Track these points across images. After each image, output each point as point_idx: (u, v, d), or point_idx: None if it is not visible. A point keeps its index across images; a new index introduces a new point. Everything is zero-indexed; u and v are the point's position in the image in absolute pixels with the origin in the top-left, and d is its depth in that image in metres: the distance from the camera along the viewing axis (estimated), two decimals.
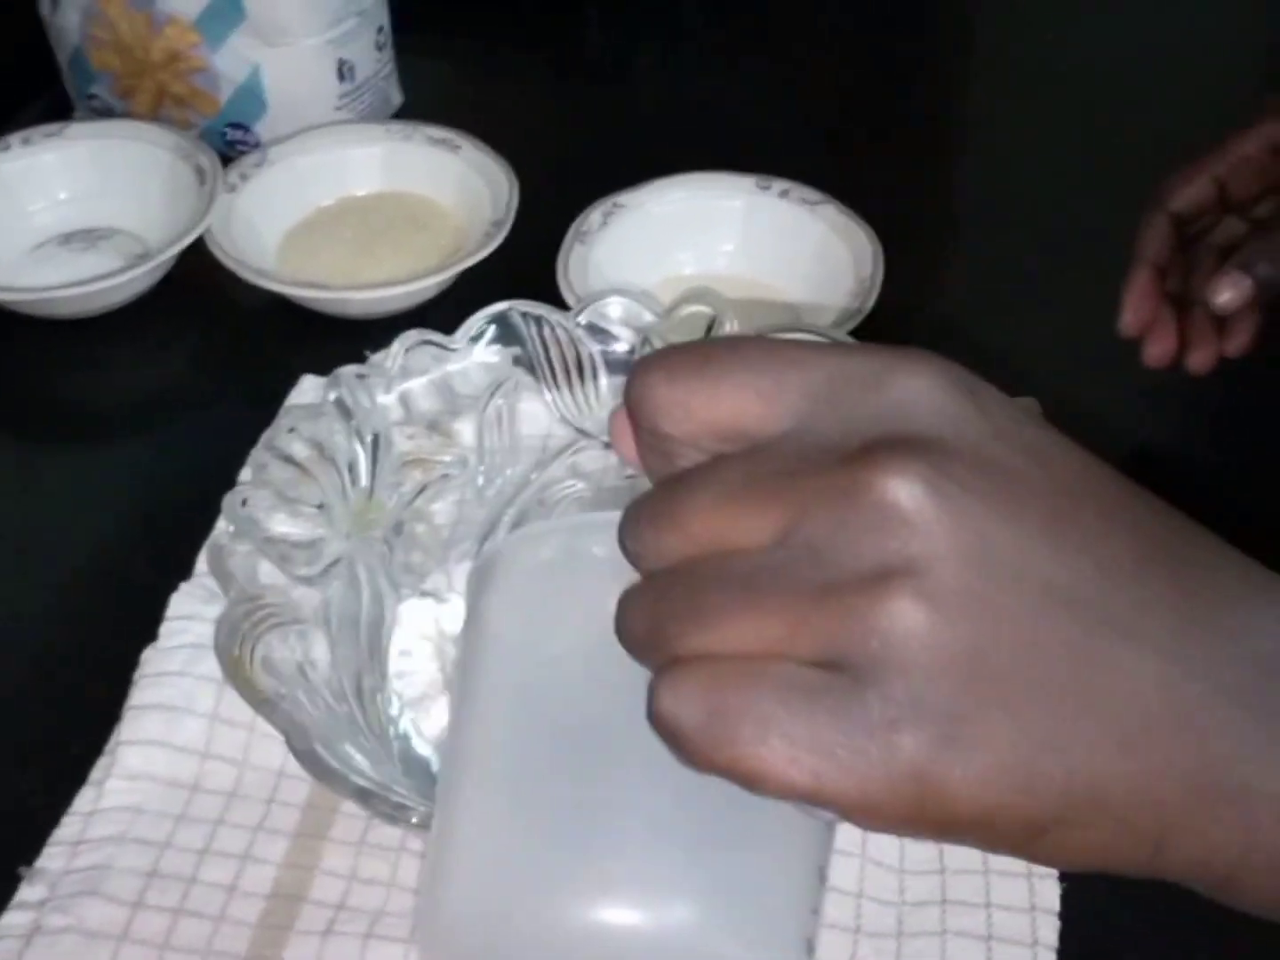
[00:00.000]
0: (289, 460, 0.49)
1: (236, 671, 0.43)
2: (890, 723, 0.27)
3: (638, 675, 0.30)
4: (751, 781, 0.28)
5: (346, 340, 0.67)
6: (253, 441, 0.60)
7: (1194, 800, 0.28)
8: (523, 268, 0.69)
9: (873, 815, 0.27)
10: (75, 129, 0.76)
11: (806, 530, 0.28)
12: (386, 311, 0.70)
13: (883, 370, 0.29)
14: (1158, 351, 0.62)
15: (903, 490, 0.27)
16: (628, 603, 0.30)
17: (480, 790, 0.35)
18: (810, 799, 0.27)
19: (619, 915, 0.32)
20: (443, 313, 0.68)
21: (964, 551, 0.27)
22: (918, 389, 0.29)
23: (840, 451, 0.28)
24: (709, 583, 0.29)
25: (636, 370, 0.31)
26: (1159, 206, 0.63)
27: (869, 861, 0.48)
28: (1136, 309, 0.62)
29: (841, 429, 0.29)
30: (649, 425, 0.31)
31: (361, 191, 0.77)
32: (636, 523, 0.30)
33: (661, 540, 0.30)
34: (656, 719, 0.29)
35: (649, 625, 0.29)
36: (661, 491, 0.30)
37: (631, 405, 0.31)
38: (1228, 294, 0.58)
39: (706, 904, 0.32)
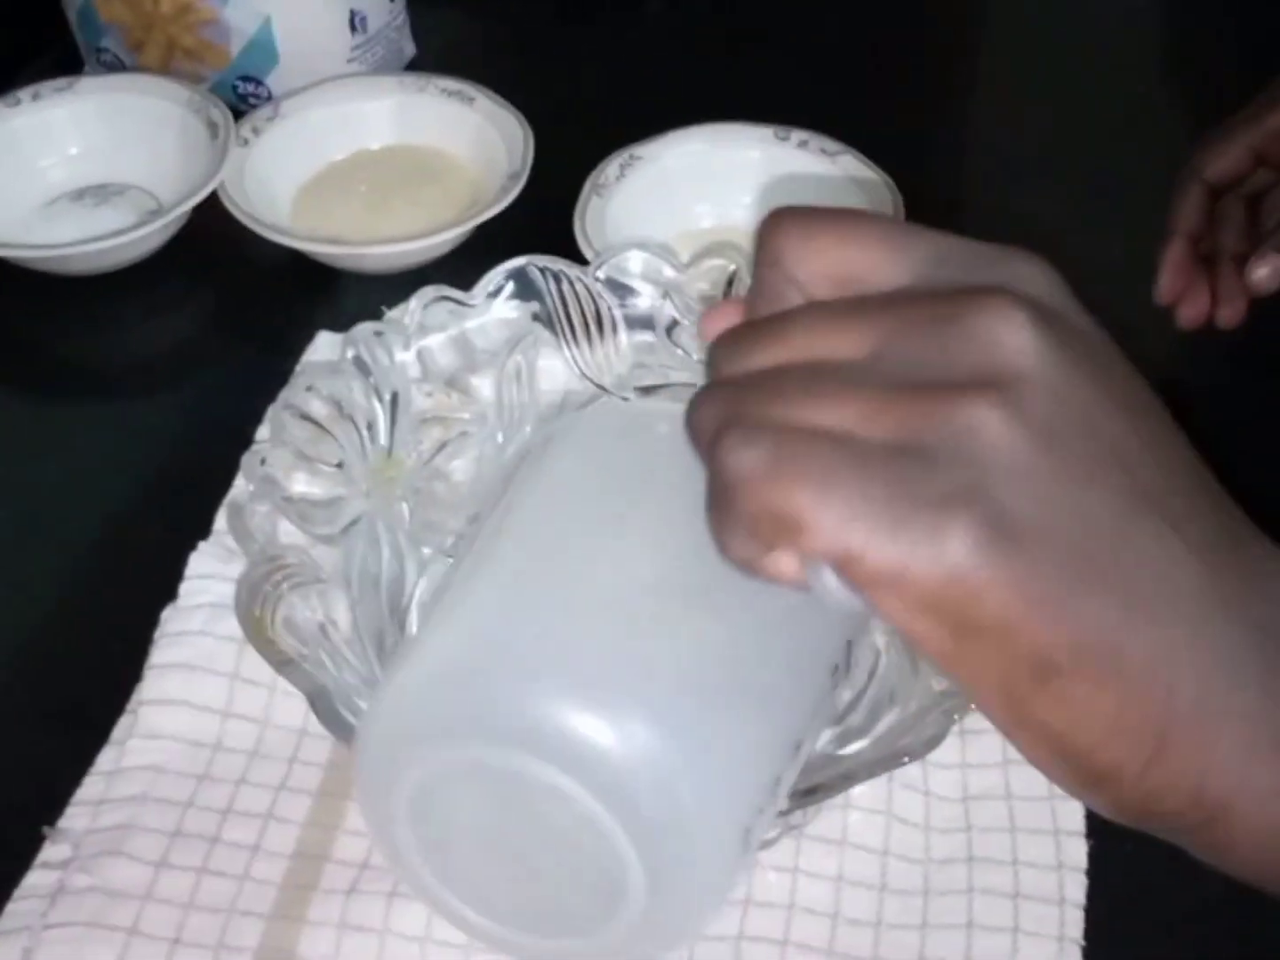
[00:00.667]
0: (307, 419, 0.49)
1: (258, 632, 0.43)
2: (948, 499, 0.27)
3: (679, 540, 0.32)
4: (795, 531, 0.28)
5: (362, 296, 0.67)
6: (269, 398, 0.60)
7: (1204, 701, 0.28)
8: (538, 221, 0.68)
9: (900, 590, 0.28)
10: (86, 83, 0.75)
11: (904, 346, 0.29)
12: (402, 266, 0.69)
13: (1001, 253, 0.31)
14: (1192, 314, 0.62)
15: (1008, 322, 0.29)
16: (702, 396, 0.31)
17: (488, 580, 0.36)
18: (847, 562, 0.28)
19: (577, 712, 0.32)
20: (459, 267, 0.67)
21: (1053, 388, 0.28)
22: (1032, 272, 0.31)
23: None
24: (794, 374, 0.30)
25: (773, 212, 0.32)
26: (1194, 176, 0.63)
27: (894, 819, 0.48)
28: (1173, 280, 0.63)
29: (953, 288, 0.30)
30: (773, 258, 0.32)
31: (375, 145, 0.76)
32: (734, 334, 0.31)
33: (757, 346, 0.31)
34: (717, 466, 0.29)
35: (724, 408, 0.30)
36: (765, 316, 0.32)
37: (762, 241, 0.32)
38: (1263, 273, 0.59)
39: (666, 742, 0.32)
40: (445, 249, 0.69)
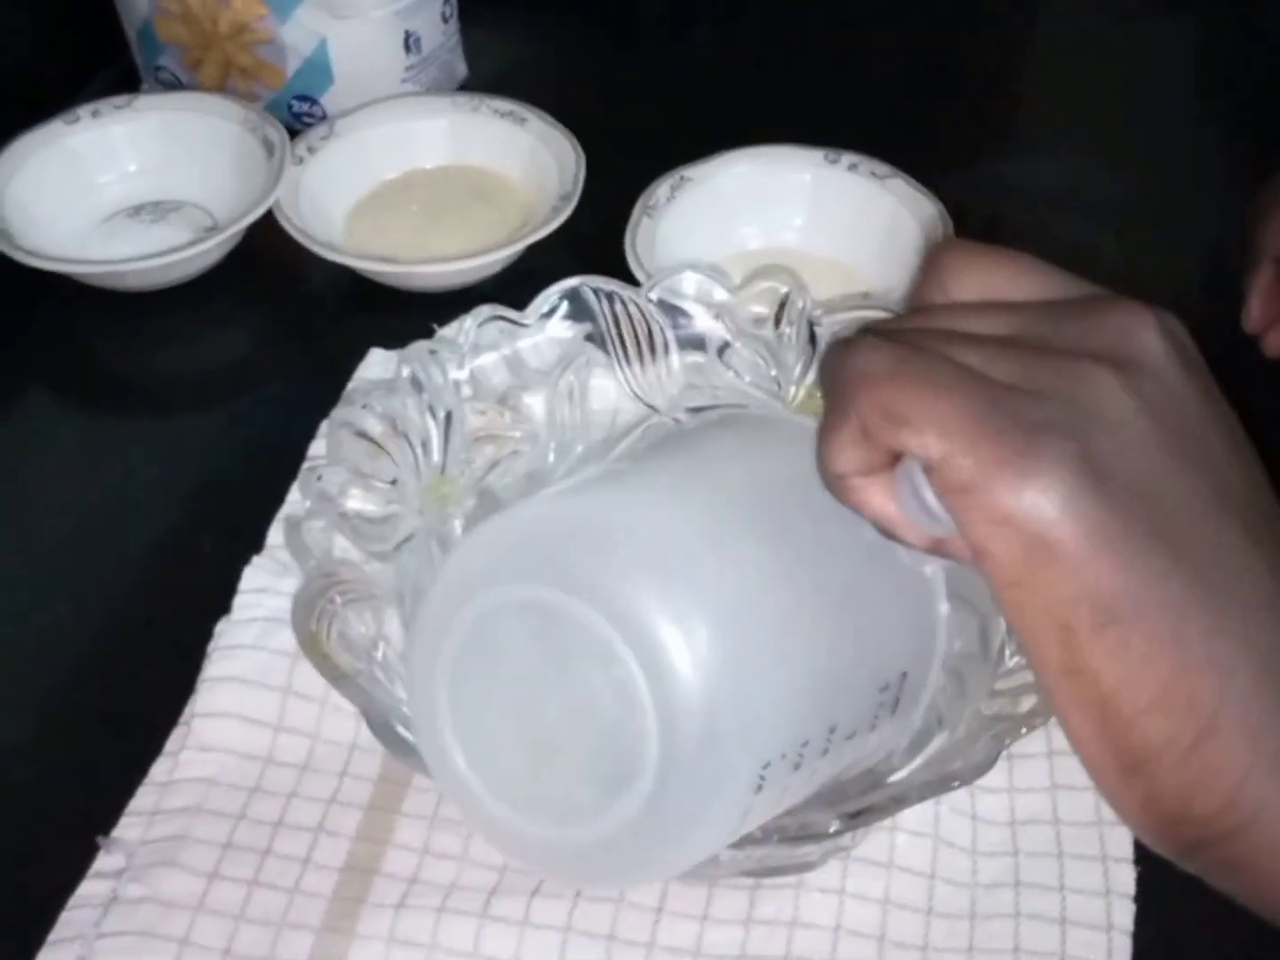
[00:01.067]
0: (363, 436, 0.49)
1: (314, 647, 0.43)
2: (1051, 428, 0.29)
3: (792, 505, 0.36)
4: (901, 424, 0.30)
5: (413, 314, 0.67)
6: (321, 414, 0.61)
7: (1257, 698, 0.29)
8: (589, 241, 0.69)
9: (986, 500, 0.29)
10: (144, 101, 0.76)
11: (1041, 327, 0.32)
12: (453, 285, 0.70)
13: (1138, 303, 0.33)
14: (1278, 340, 0.62)
15: (1142, 322, 0.32)
16: (838, 347, 0.33)
17: (585, 480, 0.38)
18: (941, 464, 0.30)
19: (646, 589, 0.34)
20: (509, 287, 0.68)
21: (1168, 386, 0.31)
22: (1166, 316, 0.33)
23: None
24: (930, 331, 0.33)
25: (940, 243, 0.42)
26: (1278, 201, 0.63)
27: (941, 843, 0.48)
28: (1263, 308, 0.62)
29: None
30: (935, 276, 0.35)
31: (428, 165, 0.77)
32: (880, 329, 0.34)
33: (900, 320, 0.35)
34: (842, 369, 0.32)
35: (860, 355, 0.32)
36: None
37: (928, 263, 0.36)
38: None
39: (717, 647, 0.34)
40: (496, 268, 0.70)
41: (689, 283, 0.54)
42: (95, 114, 0.74)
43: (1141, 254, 0.73)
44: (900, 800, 0.40)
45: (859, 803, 0.40)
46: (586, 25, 0.92)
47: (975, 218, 0.69)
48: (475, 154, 0.76)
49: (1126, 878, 0.47)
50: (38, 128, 0.73)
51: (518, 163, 0.75)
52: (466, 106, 0.76)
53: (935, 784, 0.40)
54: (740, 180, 0.71)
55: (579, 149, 0.72)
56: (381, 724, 0.42)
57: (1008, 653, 0.46)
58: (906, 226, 0.68)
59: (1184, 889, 0.47)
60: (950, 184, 0.70)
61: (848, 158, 0.71)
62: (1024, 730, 0.41)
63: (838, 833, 0.40)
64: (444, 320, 0.63)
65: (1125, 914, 0.46)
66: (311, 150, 0.73)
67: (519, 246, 0.68)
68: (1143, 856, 0.47)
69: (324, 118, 0.79)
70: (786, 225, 0.71)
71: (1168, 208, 0.73)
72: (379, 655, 0.46)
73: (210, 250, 0.69)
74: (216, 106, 0.75)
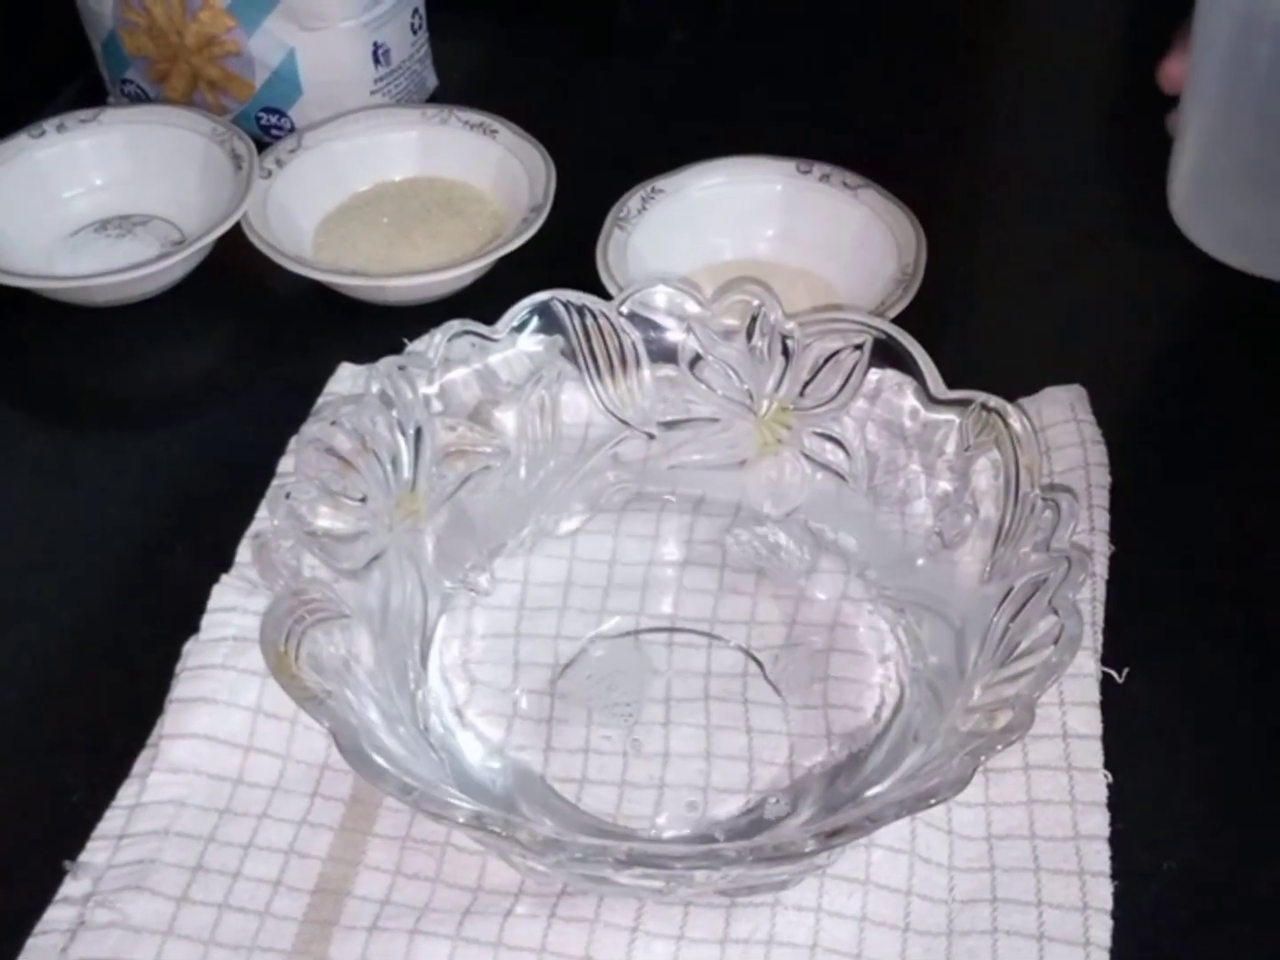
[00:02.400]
0: (332, 453, 0.49)
1: (283, 668, 0.43)
2: None
3: None
4: None
5: (383, 328, 0.67)
6: (290, 430, 0.60)
7: None
8: (560, 254, 0.68)
9: None
10: (110, 114, 0.75)
11: None
12: (424, 299, 0.69)
13: None
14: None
15: None
16: None
17: None
18: None
19: None
20: (480, 299, 0.68)
21: None
22: None
23: None
24: None
25: None
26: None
27: (918, 859, 0.48)
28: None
29: None
30: None
31: (398, 177, 0.76)
32: None
33: None
34: None
35: None
36: None
37: None
38: None
39: None
40: (467, 282, 0.69)
41: (661, 296, 0.54)
42: (60, 128, 0.74)
43: (1129, 263, 0.73)
44: (876, 819, 0.40)
45: (835, 822, 0.40)
46: (557, 36, 0.92)
47: (948, 228, 0.69)
48: (445, 166, 0.76)
49: (1104, 893, 0.46)
50: (2, 142, 0.72)
51: (488, 174, 0.74)
52: (436, 118, 0.76)
53: (911, 801, 0.40)
54: (712, 191, 0.71)
55: (550, 160, 0.72)
56: (352, 747, 0.41)
57: (982, 667, 0.45)
58: (879, 237, 0.68)
59: (1161, 904, 0.47)
60: (923, 194, 0.69)
61: (819, 168, 0.71)
62: (999, 746, 0.41)
63: (813, 852, 0.39)
64: (415, 334, 0.62)
65: (1103, 929, 0.46)
66: (280, 163, 0.73)
67: (489, 259, 0.68)
68: (1120, 871, 0.47)
69: (292, 130, 0.78)
70: (759, 236, 0.71)
71: (1152, 214, 0.73)
72: (349, 676, 0.45)
73: (176, 265, 0.68)
74: (184, 119, 0.74)
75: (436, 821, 0.42)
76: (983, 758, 0.40)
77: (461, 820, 0.40)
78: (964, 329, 0.68)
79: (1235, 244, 0.70)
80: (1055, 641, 0.42)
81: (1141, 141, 0.75)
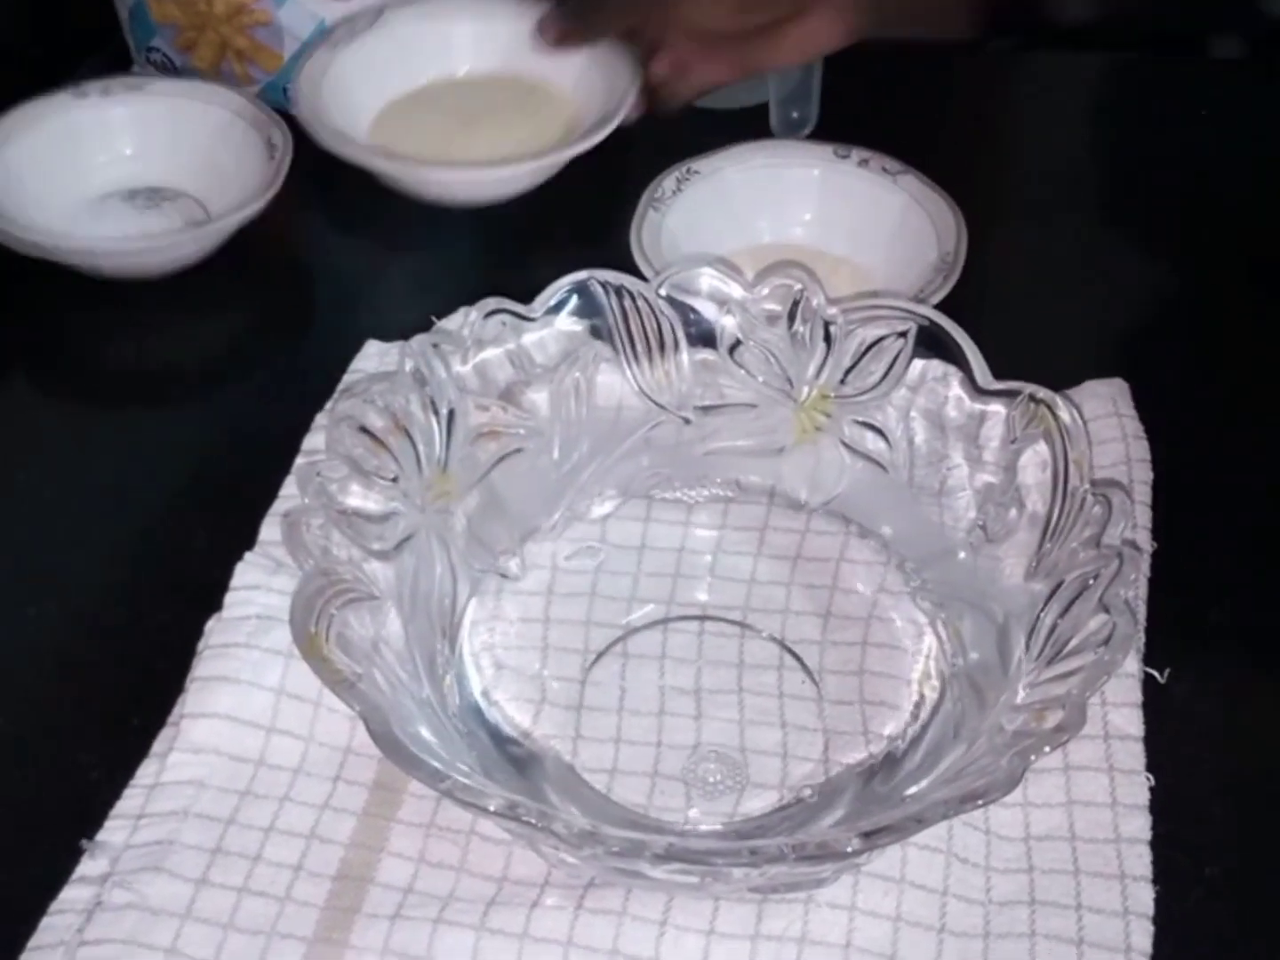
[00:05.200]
0: (364, 431, 0.48)
1: (313, 650, 0.42)
2: None
3: None
4: None
5: (414, 304, 0.66)
6: (315, 407, 0.59)
7: None
8: (591, 234, 0.67)
9: None
10: (156, 85, 0.74)
11: None
12: (475, 200, 0.66)
13: None
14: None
15: None
16: None
17: None
18: None
19: None
20: (515, 279, 0.67)
21: None
22: None
23: None
24: None
25: None
26: None
27: (954, 858, 0.47)
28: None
29: None
30: None
31: (474, 68, 0.73)
32: None
33: None
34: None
35: None
36: None
37: None
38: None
39: None
40: (521, 184, 0.66)
41: (704, 279, 0.52)
42: (105, 92, 0.73)
43: (1168, 252, 0.72)
44: (920, 819, 0.39)
45: (878, 820, 0.39)
46: None
47: (986, 216, 0.68)
48: (527, 64, 0.73)
49: (1145, 897, 0.45)
50: (43, 99, 0.71)
51: (569, 76, 0.72)
52: (526, 15, 0.73)
53: (956, 802, 0.39)
54: (747, 174, 0.70)
55: (636, 66, 0.70)
56: (382, 730, 0.40)
57: (1028, 665, 0.44)
58: (918, 223, 0.66)
59: (1203, 911, 0.46)
60: (961, 181, 0.68)
61: (858, 153, 0.69)
62: (1049, 747, 0.40)
63: (855, 853, 0.38)
64: (441, 313, 0.61)
65: (1144, 936, 0.45)
66: (353, 35, 0.69)
67: (547, 161, 0.65)
68: (1161, 876, 0.46)
69: None
70: (795, 221, 0.70)
71: (1188, 204, 0.72)
72: (379, 658, 0.44)
73: (197, 242, 0.67)
74: (225, 99, 0.73)
75: (468, 810, 0.41)
76: (1032, 757, 0.39)
77: (494, 809, 0.39)
78: (1002, 319, 0.66)
79: None
80: (1107, 640, 0.41)
81: (1185, 132, 0.74)
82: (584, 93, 0.71)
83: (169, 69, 0.79)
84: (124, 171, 0.73)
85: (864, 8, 0.68)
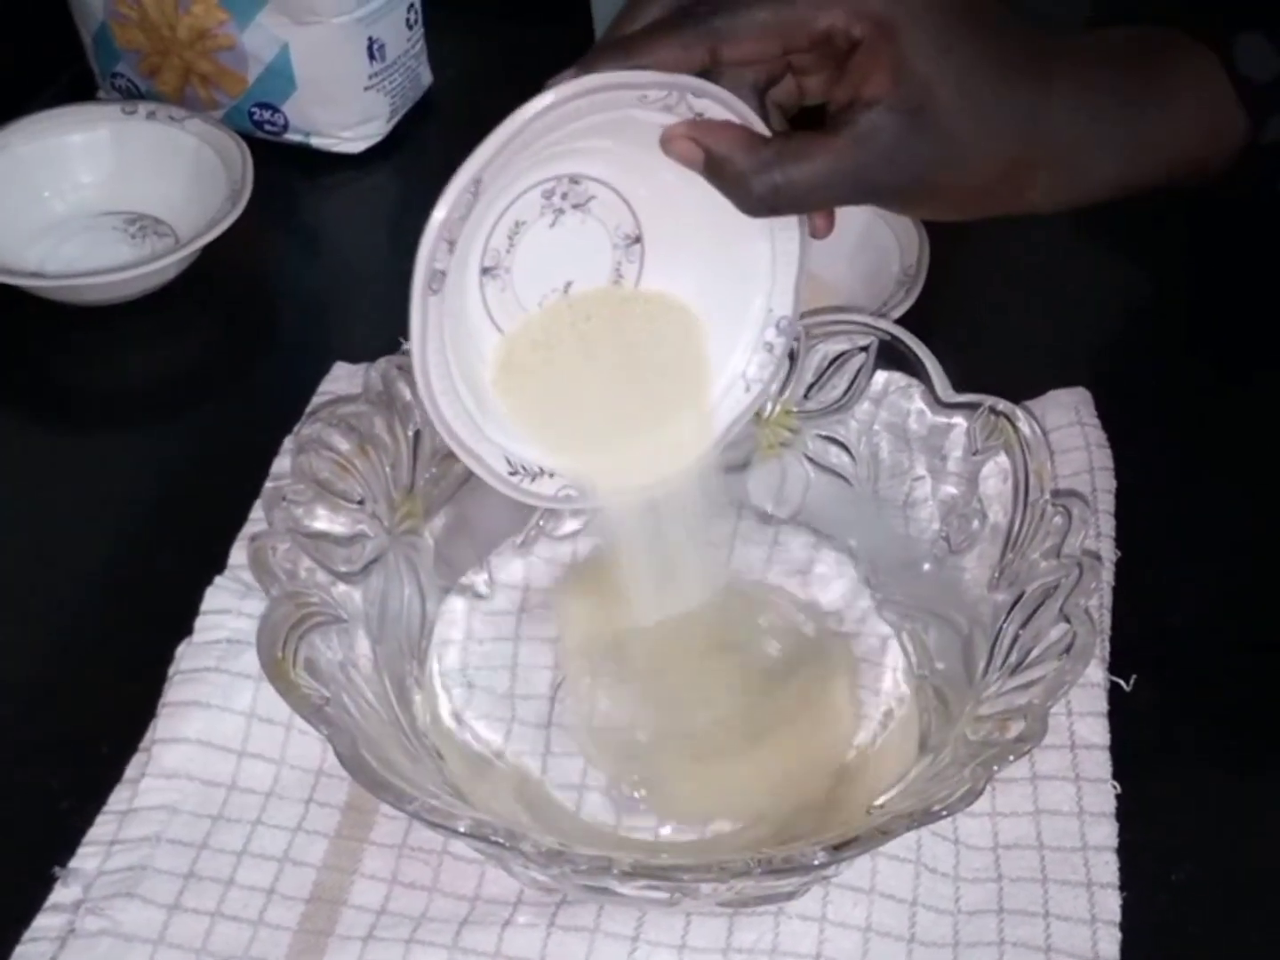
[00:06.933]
0: (330, 453, 0.48)
1: (280, 674, 0.42)
2: None
3: None
4: None
5: (381, 326, 0.66)
6: (283, 430, 0.59)
7: None
8: None
9: None
10: (107, 110, 0.74)
11: None
12: None
13: None
14: None
15: None
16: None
17: None
18: None
19: None
20: None
21: None
22: None
23: None
24: None
25: None
26: None
27: (923, 868, 0.47)
28: None
29: None
30: None
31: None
32: None
33: None
34: None
35: None
36: None
37: None
38: None
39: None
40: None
41: None
42: (56, 120, 0.73)
43: (1131, 262, 0.73)
44: (886, 831, 0.39)
45: (845, 833, 0.39)
46: (553, 34, 0.91)
47: (950, 228, 0.68)
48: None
49: (1112, 904, 0.46)
50: (4, 127, 0.72)
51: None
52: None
53: (922, 813, 0.39)
54: None
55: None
56: (349, 753, 0.40)
57: (992, 675, 0.45)
58: (881, 237, 0.67)
59: (1170, 917, 0.47)
60: None
61: None
62: (1012, 757, 0.40)
63: (822, 865, 0.39)
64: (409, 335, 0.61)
65: (1111, 943, 0.45)
66: None
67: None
68: (1128, 883, 0.46)
69: (285, 125, 0.77)
70: None
71: (1149, 213, 0.73)
72: (347, 681, 0.45)
73: (170, 265, 0.67)
74: (182, 120, 0.73)
75: (437, 831, 0.41)
76: (995, 768, 0.40)
77: (463, 830, 0.39)
78: (966, 331, 0.67)
79: None
80: (1068, 649, 0.42)
81: None
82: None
83: (134, 94, 0.79)
84: (87, 197, 0.73)
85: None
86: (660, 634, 0.52)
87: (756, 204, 0.44)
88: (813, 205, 0.46)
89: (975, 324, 0.69)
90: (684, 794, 0.50)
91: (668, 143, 0.44)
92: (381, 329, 0.63)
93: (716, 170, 0.44)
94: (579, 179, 0.46)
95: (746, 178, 0.44)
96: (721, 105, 0.44)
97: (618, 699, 0.52)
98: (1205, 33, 0.52)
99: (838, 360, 0.52)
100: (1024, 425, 0.48)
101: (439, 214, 0.41)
